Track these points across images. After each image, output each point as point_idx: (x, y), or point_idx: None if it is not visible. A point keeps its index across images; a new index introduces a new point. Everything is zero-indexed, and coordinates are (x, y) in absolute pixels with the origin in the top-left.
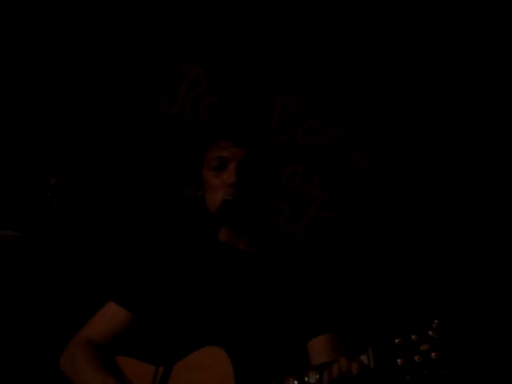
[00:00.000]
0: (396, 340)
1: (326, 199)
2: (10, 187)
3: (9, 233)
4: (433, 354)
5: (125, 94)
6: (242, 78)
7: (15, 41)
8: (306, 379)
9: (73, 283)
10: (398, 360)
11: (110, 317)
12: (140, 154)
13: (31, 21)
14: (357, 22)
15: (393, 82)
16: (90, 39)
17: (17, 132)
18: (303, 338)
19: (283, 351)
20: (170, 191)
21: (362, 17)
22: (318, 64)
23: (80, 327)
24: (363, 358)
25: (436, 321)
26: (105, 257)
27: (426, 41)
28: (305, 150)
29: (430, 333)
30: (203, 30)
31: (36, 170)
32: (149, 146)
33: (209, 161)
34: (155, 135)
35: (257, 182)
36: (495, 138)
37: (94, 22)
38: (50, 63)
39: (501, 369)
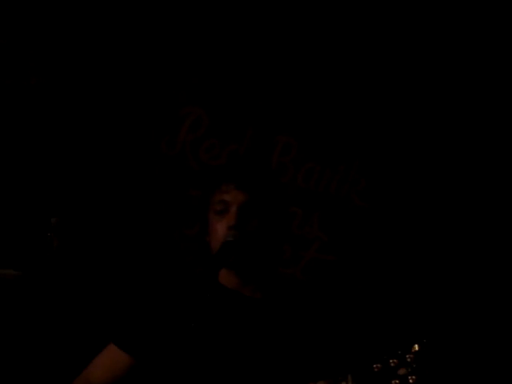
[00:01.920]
0: (375, 365)
1: (325, 241)
2: (11, 226)
3: (9, 272)
4: (410, 379)
5: (126, 134)
6: (242, 121)
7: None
8: None
9: (72, 322)
10: None
11: (110, 360)
12: (141, 194)
13: (31, 61)
14: (355, 64)
15: (392, 126)
16: (91, 78)
17: (17, 172)
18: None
19: None
20: (170, 231)
21: (359, 60)
22: (319, 107)
23: (79, 366)
24: None
25: (415, 345)
26: (105, 297)
27: (426, 81)
28: (305, 193)
29: (408, 357)
30: (205, 72)
31: (36, 210)
32: (149, 187)
33: (212, 205)
34: (156, 176)
35: (258, 226)
36: (498, 172)
37: (96, 61)
38: (52, 99)
39: None
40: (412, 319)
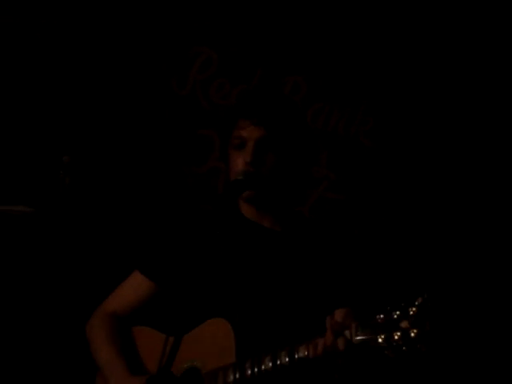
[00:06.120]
0: (378, 316)
1: (333, 180)
2: (24, 164)
3: (22, 208)
4: (412, 332)
5: (136, 74)
6: (252, 60)
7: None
8: (296, 355)
9: (83, 259)
10: (379, 336)
11: (135, 287)
12: (152, 132)
13: (40, 11)
14: (367, 3)
15: (401, 64)
16: (101, 19)
17: (31, 110)
18: (316, 314)
19: (293, 327)
20: (179, 170)
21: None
22: (329, 46)
23: (91, 299)
24: (347, 333)
25: (420, 298)
26: (114, 234)
27: (434, 27)
28: (313, 132)
29: (411, 310)
30: (215, 11)
31: (49, 148)
32: (160, 126)
33: (232, 140)
34: (166, 115)
35: (276, 160)
36: (496, 121)
37: (106, 2)
38: (63, 44)
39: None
40: (418, 272)
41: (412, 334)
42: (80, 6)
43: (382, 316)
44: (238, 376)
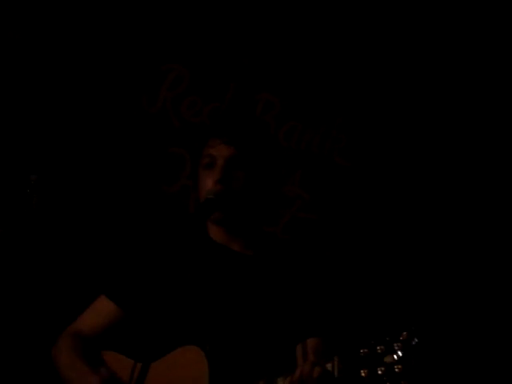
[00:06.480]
0: (362, 350)
1: (306, 200)
2: None
3: None
4: (396, 367)
5: (106, 91)
6: (224, 78)
7: None
8: None
9: (51, 279)
10: (362, 371)
11: (100, 311)
12: (121, 151)
13: (14, 18)
14: (337, 22)
15: (375, 84)
16: (71, 35)
17: None
18: (289, 342)
19: (265, 356)
20: (150, 189)
21: (342, 17)
22: (302, 65)
23: (61, 320)
24: (328, 365)
25: (404, 333)
26: (81, 253)
27: (405, 41)
28: (286, 151)
29: (396, 345)
30: (186, 29)
31: (16, 167)
32: (130, 144)
33: (202, 159)
34: (137, 133)
35: (245, 179)
36: (473, 139)
37: (76, 19)
38: (31, 60)
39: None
40: (403, 305)
41: (396, 370)
42: (47, 24)
43: (365, 350)
44: None
